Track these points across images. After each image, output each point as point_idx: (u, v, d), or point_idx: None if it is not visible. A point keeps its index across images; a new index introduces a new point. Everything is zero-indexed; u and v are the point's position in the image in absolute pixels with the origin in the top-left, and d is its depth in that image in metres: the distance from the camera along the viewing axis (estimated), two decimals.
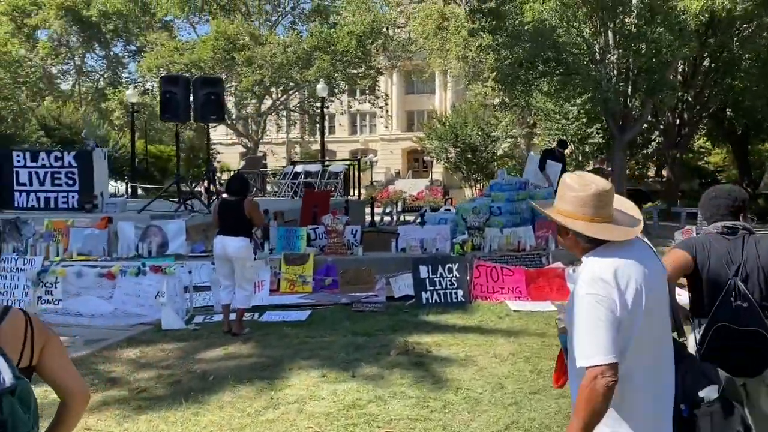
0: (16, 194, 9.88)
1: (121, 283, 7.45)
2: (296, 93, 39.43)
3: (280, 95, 38.82)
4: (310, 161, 23.61)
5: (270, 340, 6.49)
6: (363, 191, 18.07)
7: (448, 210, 13.52)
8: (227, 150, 48.47)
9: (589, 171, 12.46)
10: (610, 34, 17.37)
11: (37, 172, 9.76)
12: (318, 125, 24.75)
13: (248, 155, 37.37)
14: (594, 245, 2.08)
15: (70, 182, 9.72)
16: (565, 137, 15.44)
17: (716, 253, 2.95)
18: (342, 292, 8.31)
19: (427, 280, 8.15)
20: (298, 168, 17.18)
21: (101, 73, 43.75)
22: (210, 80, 9.98)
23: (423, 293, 8.08)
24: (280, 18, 41.22)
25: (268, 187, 21.99)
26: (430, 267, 8.21)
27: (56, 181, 9.73)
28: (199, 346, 6.35)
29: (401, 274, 8.37)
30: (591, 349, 1.93)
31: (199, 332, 6.89)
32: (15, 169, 9.83)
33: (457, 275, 8.22)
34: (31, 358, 1.83)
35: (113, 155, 31.67)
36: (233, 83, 36.01)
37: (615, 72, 17.73)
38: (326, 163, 18.92)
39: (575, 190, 2.12)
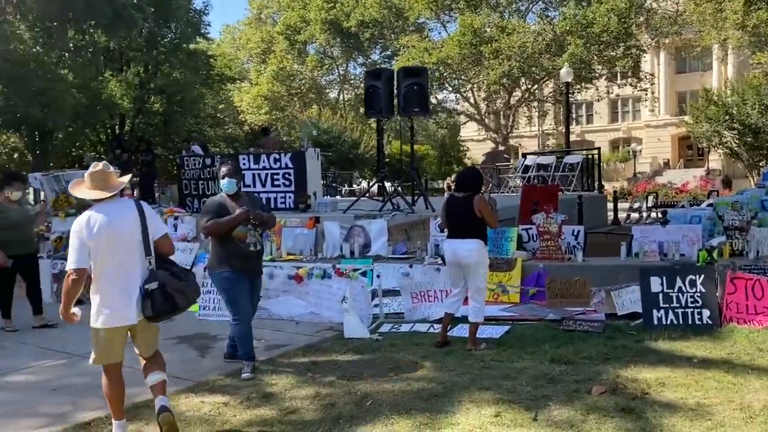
0: None
1: (310, 285, 7.23)
2: (548, 82, 37.56)
3: (530, 86, 37.34)
4: (545, 152, 21.87)
5: (449, 361, 5.61)
6: (625, 184, 15.87)
7: (711, 206, 11.09)
8: (477, 146, 48.33)
9: None
10: None
11: (259, 174, 10.20)
12: (569, 113, 22.82)
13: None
14: (94, 203, 4.08)
15: (287, 183, 9.97)
16: None
17: None
18: (550, 305, 7.03)
19: (661, 294, 6.49)
20: (529, 161, 15.74)
21: (361, 80, 46.95)
22: (412, 70, 9.35)
23: (654, 311, 6.44)
24: (531, 5, 39.73)
25: (510, 182, 20.97)
26: (665, 278, 6.54)
27: (275, 182, 10.05)
28: (372, 361, 5.74)
29: (627, 287, 6.81)
30: (69, 259, 3.96)
31: (380, 343, 6.30)
32: (241, 172, 10.39)
33: (703, 290, 6.42)
34: None
35: (365, 155, 33.57)
36: (481, 77, 35.62)
37: None
38: (565, 153, 17.14)
39: (89, 170, 4.11)
